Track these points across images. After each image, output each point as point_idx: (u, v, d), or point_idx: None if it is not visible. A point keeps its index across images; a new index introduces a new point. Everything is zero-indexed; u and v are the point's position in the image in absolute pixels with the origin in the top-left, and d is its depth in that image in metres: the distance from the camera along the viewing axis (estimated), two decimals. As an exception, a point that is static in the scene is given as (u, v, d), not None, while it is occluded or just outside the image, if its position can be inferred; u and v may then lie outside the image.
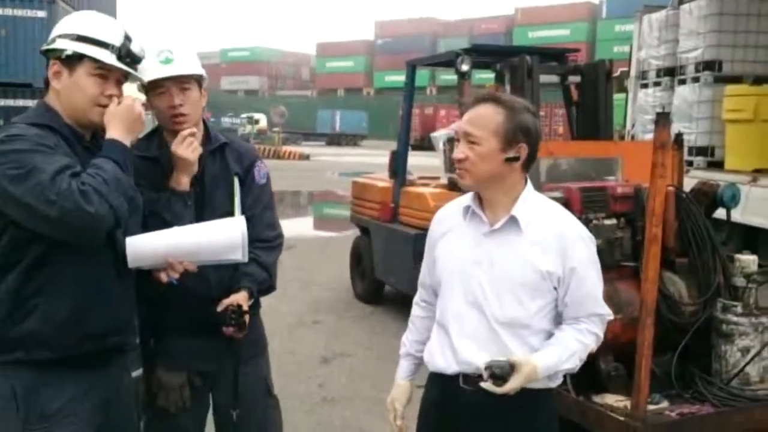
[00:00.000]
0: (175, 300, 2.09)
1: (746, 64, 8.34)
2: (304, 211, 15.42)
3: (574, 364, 1.85)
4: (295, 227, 10.92)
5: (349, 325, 6.00)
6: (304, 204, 16.25)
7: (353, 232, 7.49)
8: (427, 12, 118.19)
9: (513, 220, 1.83)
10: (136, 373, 2.25)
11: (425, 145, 18.22)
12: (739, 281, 3.42)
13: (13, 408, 1.81)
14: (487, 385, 1.75)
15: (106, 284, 1.89)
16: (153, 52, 2.10)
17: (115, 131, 1.87)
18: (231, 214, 2.15)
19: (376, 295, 6.60)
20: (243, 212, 2.17)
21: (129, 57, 1.93)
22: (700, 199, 3.73)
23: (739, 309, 3.33)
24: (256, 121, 38.48)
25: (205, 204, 2.18)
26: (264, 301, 2.33)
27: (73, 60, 1.86)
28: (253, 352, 2.29)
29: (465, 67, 4.99)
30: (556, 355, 1.81)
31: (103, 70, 1.88)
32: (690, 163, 8.16)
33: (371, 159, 23.71)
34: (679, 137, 4.00)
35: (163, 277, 1.97)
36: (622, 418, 2.96)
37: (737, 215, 5.17)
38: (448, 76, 27.41)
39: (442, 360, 1.89)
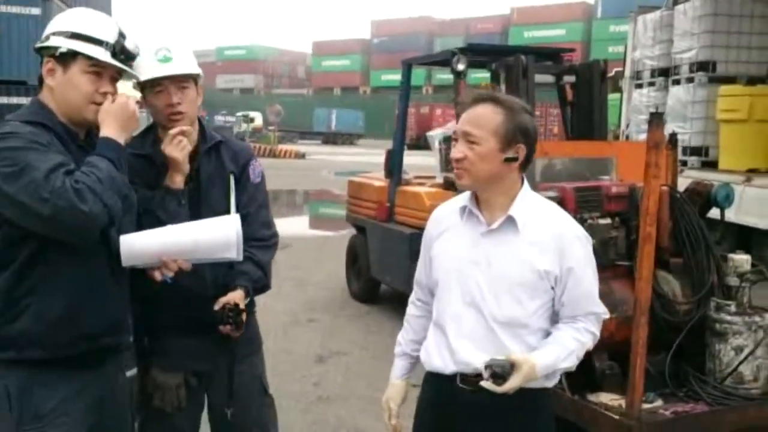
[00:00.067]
0: (170, 299, 2.08)
1: (740, 64, 8.39)
2: (300, 210, 15.41)
3: (572, 362, 1.85)
4: (290, 226, 10.90)
5: (345, 324, 5.99)
6: (300, 203, 16.23)
7: (349, 231, 7.49)
8: (424, 11, 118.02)
9: (510, 220, 1.83)
10: (131, 372, 2.24)
11: (421, 144, 18.18)
12: (733, 280, 3.43)
13: (6, 408, 1.80)
14: (487, 384, 1.75)
15: (99, 283, 1.88)
16: (150, 51, 2.08)
17: (109, 129, 1.86)
18: (228, 212, 2.15)
19: (372, 294, 6.60)
20: (238, 211, 2.17)
21: (123, 54, 1.92)
22: (694, 198, 3.75)
23: (733, 308, 3.34)
24: (252, 120, 38.39)
25: (201, 202, 2.18)
26: (259, 299, 2.33)
27: (67, 57, 1.85)
28: (248, 351, 2.29)
29: (461, 67, 4.99)
30: (555, 354, 1.81)
31: (97, 68, 1.87)
32: (684, 163, 8.20)
33: (367, 158, 23.68)
34: (673, 137, 4.02)
35: (158, 275, 1.97)
36: (616, 417, 2.97)
37: (731, 215, 5.21)
38: (444, 76, 27.36)
39: (439, 360, 1.89)
